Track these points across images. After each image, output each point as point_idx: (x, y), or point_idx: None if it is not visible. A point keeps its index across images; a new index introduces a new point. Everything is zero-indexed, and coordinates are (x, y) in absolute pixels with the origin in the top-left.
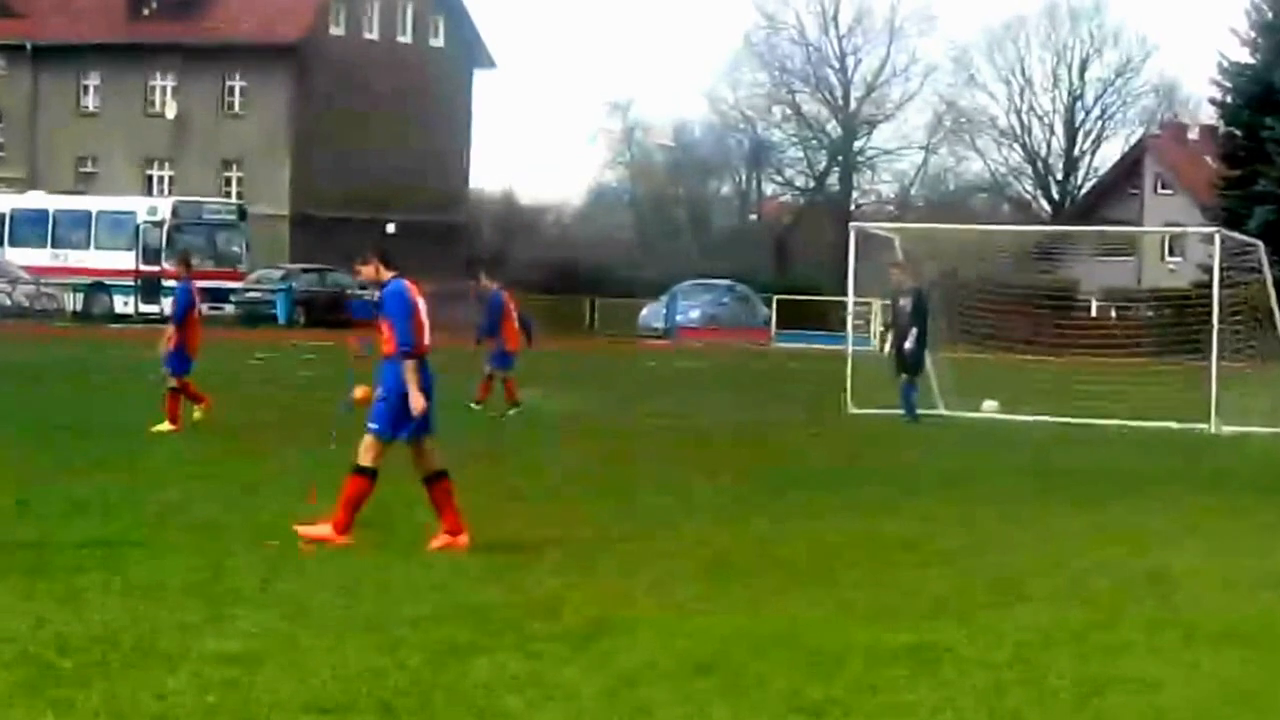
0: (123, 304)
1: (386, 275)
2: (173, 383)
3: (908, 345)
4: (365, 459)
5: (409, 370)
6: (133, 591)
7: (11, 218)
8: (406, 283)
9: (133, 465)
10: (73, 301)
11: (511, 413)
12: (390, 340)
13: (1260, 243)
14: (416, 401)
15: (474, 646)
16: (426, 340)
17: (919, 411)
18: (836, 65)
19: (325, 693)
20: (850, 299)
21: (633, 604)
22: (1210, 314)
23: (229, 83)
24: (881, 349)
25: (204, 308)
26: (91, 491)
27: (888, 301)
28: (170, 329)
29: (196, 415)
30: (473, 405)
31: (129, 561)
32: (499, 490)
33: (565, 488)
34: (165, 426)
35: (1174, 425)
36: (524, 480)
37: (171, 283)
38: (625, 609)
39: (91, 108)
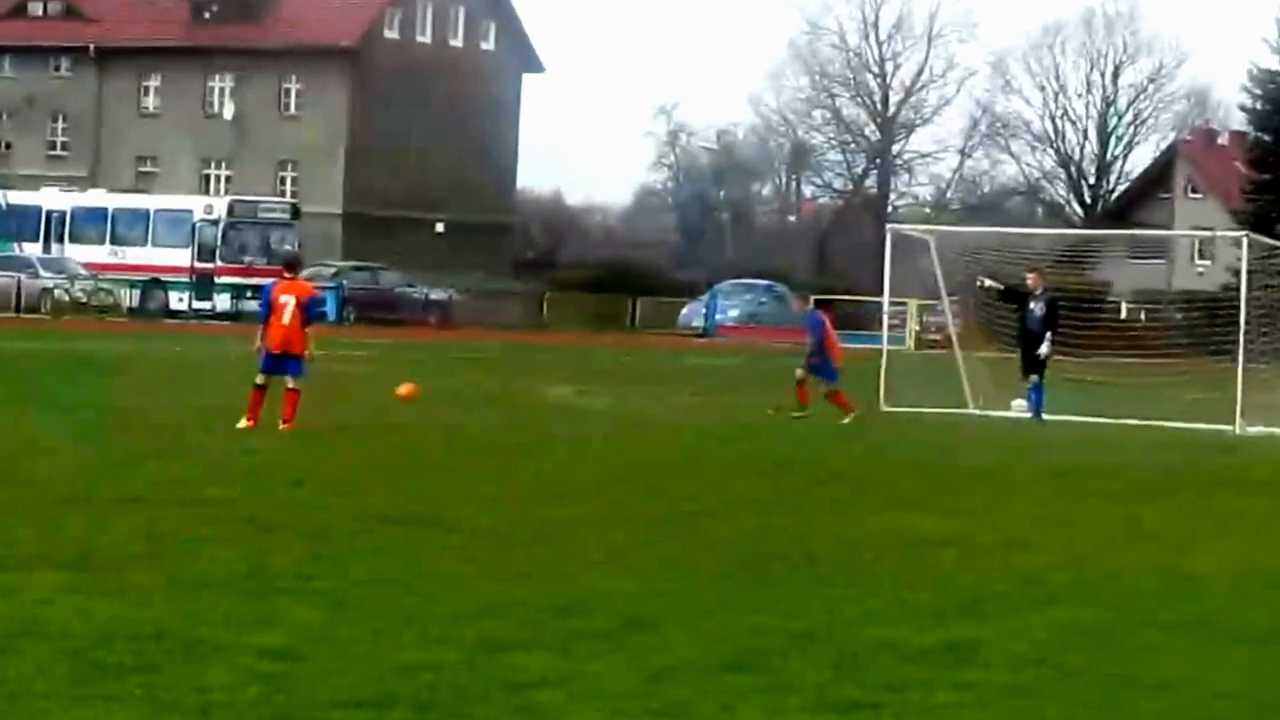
0: (178, 300)
1: None
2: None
3: (1042, 350)
4: None
5: None
6: (178, 585)
7: (72, 215)
8: None
9: (185, 460)
10: (129, 297)
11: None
12: None
13: None
14: None
15: (511, 642)
16: None
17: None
18: (876, 70)
19: (365, 687)
20: (886, 299)
21: (666, 601)
22: (1238, 316)
23: (285, 85)
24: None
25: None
26: (143, 485)
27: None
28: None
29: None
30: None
31: (177, 555)
32: (539, 486)
33: (604, 484)
34: None
35: (1201, 427)
36: (563, 476)
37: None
38: (659, 606)
39: (152, 109)
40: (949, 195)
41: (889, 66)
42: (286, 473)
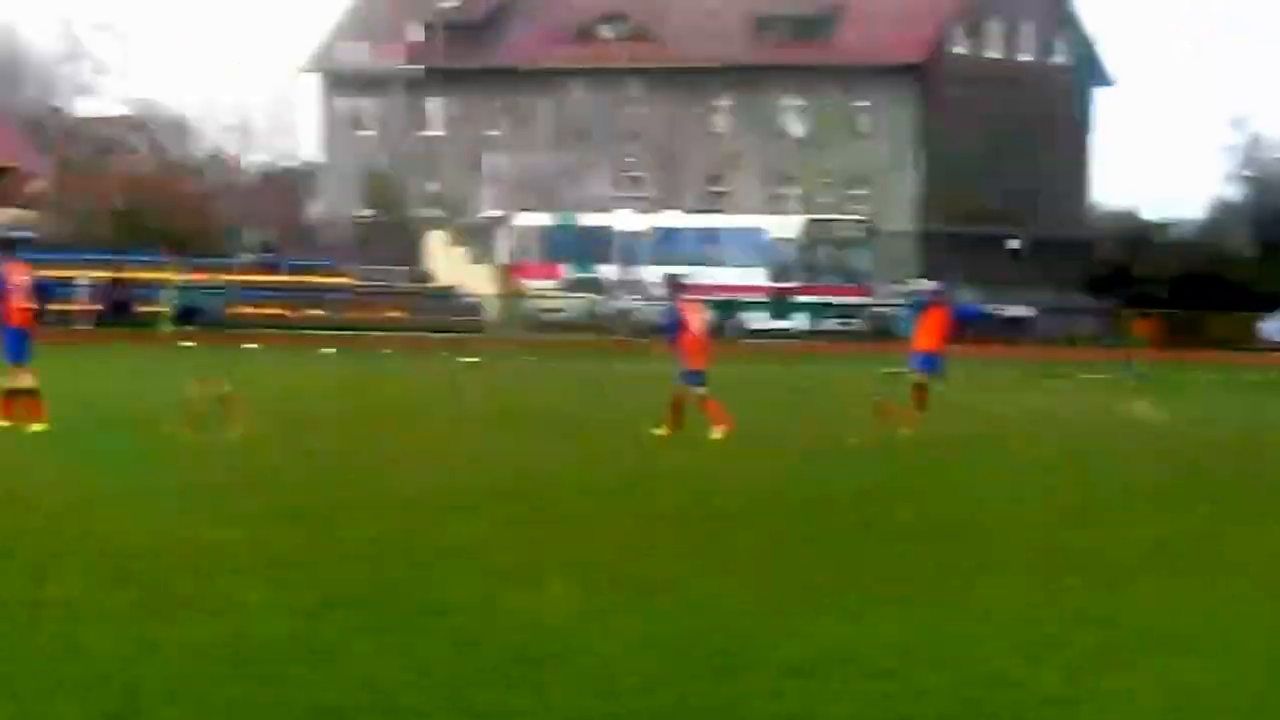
0: (755, 321)
1: None
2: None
3: None
4: None
5: None
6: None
7: (644, 237)
8: None
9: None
10: None
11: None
12: None
13: None
14: None
15: None
16: None
17: None
18: None
19: None
20: None
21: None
22: None
23: (854, 103)
24: None
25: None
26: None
27: None
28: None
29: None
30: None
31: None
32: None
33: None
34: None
35: None
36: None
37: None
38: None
39: (720, 129)
40: None
41: None
42: None
